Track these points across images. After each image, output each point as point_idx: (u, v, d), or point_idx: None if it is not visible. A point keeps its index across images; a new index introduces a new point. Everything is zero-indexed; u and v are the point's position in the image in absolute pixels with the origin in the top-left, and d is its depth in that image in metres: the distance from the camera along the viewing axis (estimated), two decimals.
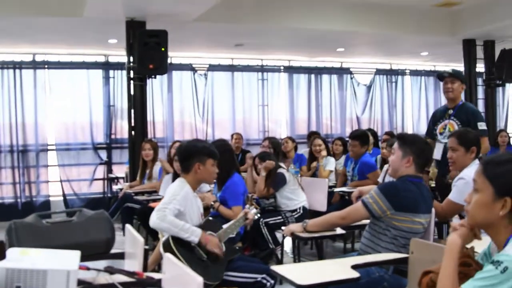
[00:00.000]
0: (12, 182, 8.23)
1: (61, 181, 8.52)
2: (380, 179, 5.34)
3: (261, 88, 9.87)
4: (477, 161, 3.50)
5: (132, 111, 6.88)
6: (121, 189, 6.73)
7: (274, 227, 5.03)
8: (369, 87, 10.75)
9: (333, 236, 4.56)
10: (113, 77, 8.74)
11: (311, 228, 3.21)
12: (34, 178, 8.34)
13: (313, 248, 5.84)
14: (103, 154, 8.78)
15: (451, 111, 4.69)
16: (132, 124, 6.91)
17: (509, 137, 8.76)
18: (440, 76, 4.88)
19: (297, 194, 5.28)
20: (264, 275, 3.16)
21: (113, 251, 2.85)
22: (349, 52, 9.63)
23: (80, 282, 2.05)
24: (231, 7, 6.73)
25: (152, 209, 3.18)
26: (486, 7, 7.46)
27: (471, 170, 3.05)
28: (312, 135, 7.61)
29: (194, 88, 9.32)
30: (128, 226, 3.00)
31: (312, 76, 10.27)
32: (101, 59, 8.79)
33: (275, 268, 2.64)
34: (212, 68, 9.49)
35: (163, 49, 6.39)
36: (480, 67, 8.78)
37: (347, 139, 6.85)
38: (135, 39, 6.51)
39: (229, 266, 3.19)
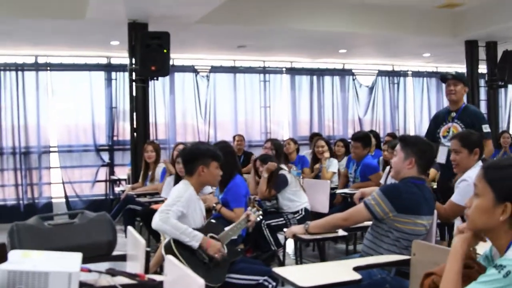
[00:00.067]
0: (14, 184, 8.24)
1: (63, 183, 8.52)
2: (382, 181, 5.33)
3: (263, 90, 9.87)
4: (480, 163, 3.49)
5: (134, 113, 6.89)
6: (123, 191, 6.73)
7: (276, 229, 5.04)
8: (371, 89, 10.73)
9: (335, 238, 4.53)
10: (115, 79, 8.75)
11: (313, 229, 3.20)
12: (36, 180, 8.34)
13: (315, 250, 5.83)
14: (105, 156, 8.79)
15: (454, 114, 4.67)
16: (134, 126, 6.91)
17: None
18: (443, 78, 4.87)
19: (299, 196, 5.27)
20: (266, 277, 3.16)
21: (115, 253, 2.86)
22: (351, 54, 9.62)
23: (81, 284, 2.05)
24: (233, 9, 6.72)
25: (154, 211, 3.18)
26: (488, 8, 7.45)
27: (474, 172, 3.02)
28: (314, 137, 7.61)
29: (196, 89, 9.31)
30: (130, 228, 2.99)
31: (314, 77, 10.27)
32: (103, 61, 8.80)
33: (277, 270, 2.63)
34: (214, 69, 9.49)
35: (165, 51, 6.39)
36: (483, 68, 8.78)
37: (349, 140, 6.85)
38: (137, 41, 6.52)
39: (231, 268, 3.19)
